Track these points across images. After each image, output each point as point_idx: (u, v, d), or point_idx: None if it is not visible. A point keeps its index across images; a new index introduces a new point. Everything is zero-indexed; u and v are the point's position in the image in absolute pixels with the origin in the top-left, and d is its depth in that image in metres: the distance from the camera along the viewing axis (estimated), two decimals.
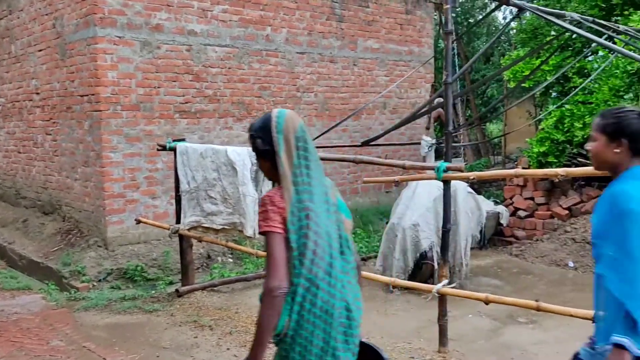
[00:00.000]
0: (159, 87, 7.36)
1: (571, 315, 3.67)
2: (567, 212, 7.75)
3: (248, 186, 5.17)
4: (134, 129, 7.20)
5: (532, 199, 8.21)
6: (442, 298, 4.47)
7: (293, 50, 8.66)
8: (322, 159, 5.58)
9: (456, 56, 14.80)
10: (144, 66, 7.21)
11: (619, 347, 2.15)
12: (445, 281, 4.46)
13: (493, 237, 8.15)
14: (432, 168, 4.57)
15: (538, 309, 3.79)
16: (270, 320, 1.97)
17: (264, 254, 6.32)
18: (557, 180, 7.74)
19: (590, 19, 6.11)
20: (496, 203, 8.49)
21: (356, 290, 2.17)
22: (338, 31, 9.22)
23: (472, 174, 4.58)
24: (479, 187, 9.24)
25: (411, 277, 5.99)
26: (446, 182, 4.51)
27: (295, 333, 2.01)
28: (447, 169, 4.39)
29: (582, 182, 8.04)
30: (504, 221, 8.00)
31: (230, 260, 7.41)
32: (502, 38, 15.62)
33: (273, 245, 2.00)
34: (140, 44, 7.17)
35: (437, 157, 9.27)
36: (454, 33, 12.48)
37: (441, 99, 7.07)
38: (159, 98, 7.37)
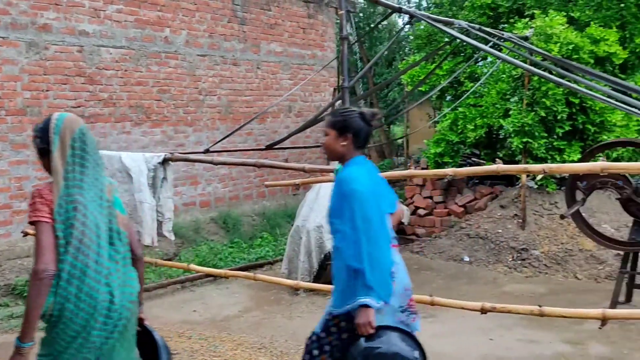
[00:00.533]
0: (47, 90, 6.92)
1: (462, 308, 3.86)
2: (462, 209, 8.17)
3: (144, 193, 4.98)
4: (20, 135, 6.72)
5: (431, 197, 8.57)
6: None
7: (194, 53, 8.47)
8: (224, 163, 5.55)
9: (359, 61, 15.15)
10: (30, 68, 6.75)
11: (364, 306, 2.49)
12: None
13: (396, 235, 8.39)
14: (331, 170, 4.62)
15: (432, 304, 3.94)
16: (37, 300, 2.14)
17: (164, 263, 6.06)
18: (446, 179, 8.14)
19: (477, 26, 6.48)
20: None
21: (126, 277, 2.36)
22: (240, 34, 9.14)
23: None
24: None
25: (316, 279, 6.03)
26: None
27: (61, 314, 2.19)
28: None
29: (476, 181, 8.51)
30: (405, 220, 8.28)
31: None
32: (403, 43, 16.20)
33: (41, 233, 2.20)
34: (26, 45, 6.71)
35: None
36: (355, 38, 12.70)
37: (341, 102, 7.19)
38: (48, 102, 6.93)
